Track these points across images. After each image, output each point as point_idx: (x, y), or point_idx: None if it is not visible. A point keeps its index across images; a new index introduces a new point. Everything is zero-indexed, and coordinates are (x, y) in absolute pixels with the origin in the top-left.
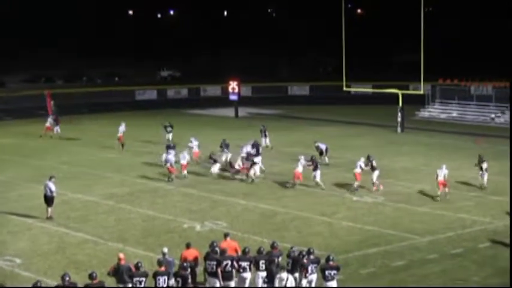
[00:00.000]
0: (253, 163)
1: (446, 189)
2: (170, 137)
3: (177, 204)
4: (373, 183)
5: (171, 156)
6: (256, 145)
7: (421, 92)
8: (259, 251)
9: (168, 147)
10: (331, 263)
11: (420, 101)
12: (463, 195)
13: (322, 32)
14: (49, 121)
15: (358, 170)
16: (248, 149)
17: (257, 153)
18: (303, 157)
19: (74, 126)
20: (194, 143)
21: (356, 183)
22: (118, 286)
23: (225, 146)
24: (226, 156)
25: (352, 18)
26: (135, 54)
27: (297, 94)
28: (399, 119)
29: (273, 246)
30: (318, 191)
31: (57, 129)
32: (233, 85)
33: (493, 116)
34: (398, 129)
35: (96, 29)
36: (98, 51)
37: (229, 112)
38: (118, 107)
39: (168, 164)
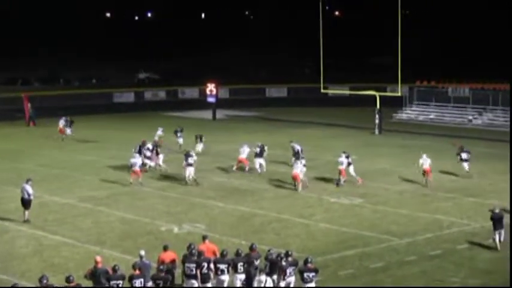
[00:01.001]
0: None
1: (430, 179)
2: (181, 142)
3: (155, 207)
4: (356, 178)
5: (136, 159)
6: (260, 146)
7: (399, 93)
8: (237, 253)
9: (187, 156)
10: (309, 265)
11: (398, 103)
12: (440, 197)
13: (299, 34)
14: (61, 123)
15: (342, 166)
16: (246, 149)
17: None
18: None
19: (52, 129)
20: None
21: (342, 179)
22: None
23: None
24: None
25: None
26: (112, 57)
27: (275, 96)
28: (377, 121)
29: (251, 248)
30: (296, 193)
31: (69, 131)
32: (211, 87)
33: (470, 117)
34: (376, 131)
35: (73, 31)
36: (75, 53)
37: (207, 114)
38: (95, 110)
39: (136, 167)
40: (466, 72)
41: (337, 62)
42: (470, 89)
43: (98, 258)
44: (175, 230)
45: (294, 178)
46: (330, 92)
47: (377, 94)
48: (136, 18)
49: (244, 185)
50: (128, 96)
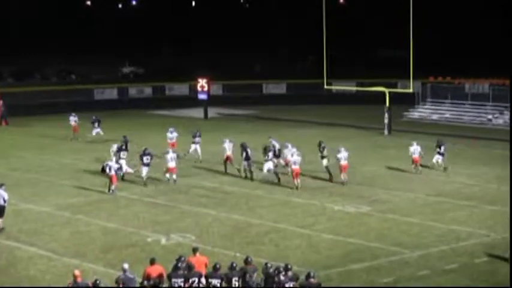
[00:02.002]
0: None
1: (420, 167)
2: (198, 148)
3: (140, 216)
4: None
5: (113, 163)
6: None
7: (411, 90)
8: (231, 267)
9: (144, 155)
10: (311, 280)
11: (409, 101)
12: (456, 205)
13: (301, 24)
14: (72, 120)
15: (343, 162)
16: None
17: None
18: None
19: (26, 128)
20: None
21: (343, 177)
22: None
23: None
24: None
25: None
26: (93, 49)
27: (273, 93)
28: (386, 120)
29: (246, 261)
30: (295, 200)
31: (98, 131)
32: (202, 83)
33: (490, 116)
34: (385, 131)
35: (50, 21)
36: (52, 46)
37: (198, 113)
38: (75, 108)
39: (112, 172)
40: (485, 67)
41: (342, 55)
42: (490, 85)
43: (77, 272)
44: (163, 241)
45: (296, 175)
46: (334, 88)
47: (386, 90)
48: (120, 6)
49: (238, 191)
50: (111, 93)
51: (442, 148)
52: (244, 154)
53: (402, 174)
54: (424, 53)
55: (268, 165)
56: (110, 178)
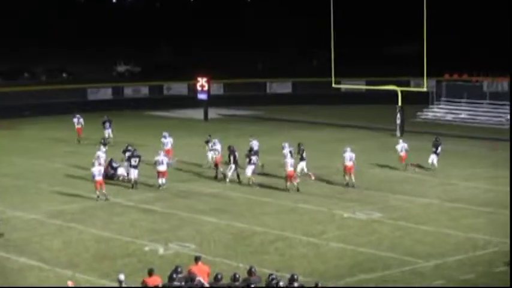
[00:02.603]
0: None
1: (408, 165)
2: (210, 156)
3: (136, 223)
4: (305, 173)
5: (95, 169)
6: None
7: (424, 89)
8: (234, 278)
9: (131, 156)
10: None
11: (423, 100)
12: (473, 211)
13: (306, 19)
14: (76, 122)
15: (347, 163)
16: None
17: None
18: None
19: (15, 131)
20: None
21: (348, 178)
22: None
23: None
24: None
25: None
26: (86, 46)
27: (278, 92)
28: (398, 121)
29: (250, 272)
30: (302, 206)
31: (109, 132)
32: (202, 82)
33: (508, 117)
34: (397, 132)
35: (40, 17)
36: (43, 42)
37: (198, 114)
38: (66, 109)
39: (98, 177)
40: (505, 63)
41: (351, 52)
42: (509, 83)
43: (70, 284)
44: (161, 250)
45: (289, 177)
46: (343, 87)
47: (398, 89)
48: (114, 0)
49: (241, 197)
50: (105, 93)
51: (439, 148)
52: (232, 157)
53: (415, 178)
54: (439, 49)
55: (252, 168)
56: (95, 185)
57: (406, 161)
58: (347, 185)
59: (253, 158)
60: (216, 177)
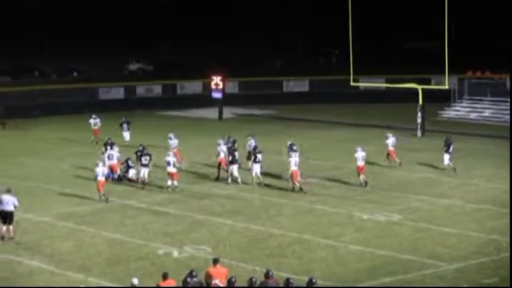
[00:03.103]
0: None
1: (396, 159)
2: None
3: (149, 226)
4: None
5: (99, 169)
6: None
7: (446, 86)
8: (251, 282)
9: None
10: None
11: (445, 98)
12: (497, 212)
13: (322, 14)
14: (93, 123)
15: (359, 163)
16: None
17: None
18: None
19: (23, 132)
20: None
21: (362, 177)
22: None
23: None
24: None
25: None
26: (96, 44)
27: (294, 91)
28: (419, 120)
29: (267, 275)
30: (320, 208)
31: (127, 134)
32: (216, 80)
33: None
34: (418, 132)
35: (50, 14)
36: (52, 40)
37: (212, 113)
38: (77, 108)
39: (101, 178)
40: None
41: (369, 49)
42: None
43: None
44: (175, 253)
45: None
46: (362, 85)
47: (419, 87)
48: None
49: (257, 198)
50: (117, 92)
51: (451, 148)
52: (230, 157)
53: (435, 179)
54: (461, 45)
55: (256, 168)
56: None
57: (393, 159)
58: (361, 185)
59: (259, 156)
60: (217, 178)
